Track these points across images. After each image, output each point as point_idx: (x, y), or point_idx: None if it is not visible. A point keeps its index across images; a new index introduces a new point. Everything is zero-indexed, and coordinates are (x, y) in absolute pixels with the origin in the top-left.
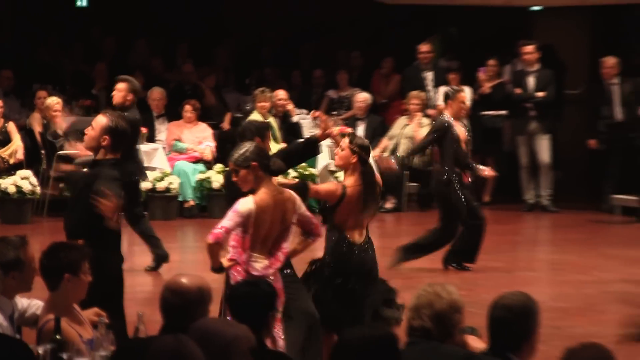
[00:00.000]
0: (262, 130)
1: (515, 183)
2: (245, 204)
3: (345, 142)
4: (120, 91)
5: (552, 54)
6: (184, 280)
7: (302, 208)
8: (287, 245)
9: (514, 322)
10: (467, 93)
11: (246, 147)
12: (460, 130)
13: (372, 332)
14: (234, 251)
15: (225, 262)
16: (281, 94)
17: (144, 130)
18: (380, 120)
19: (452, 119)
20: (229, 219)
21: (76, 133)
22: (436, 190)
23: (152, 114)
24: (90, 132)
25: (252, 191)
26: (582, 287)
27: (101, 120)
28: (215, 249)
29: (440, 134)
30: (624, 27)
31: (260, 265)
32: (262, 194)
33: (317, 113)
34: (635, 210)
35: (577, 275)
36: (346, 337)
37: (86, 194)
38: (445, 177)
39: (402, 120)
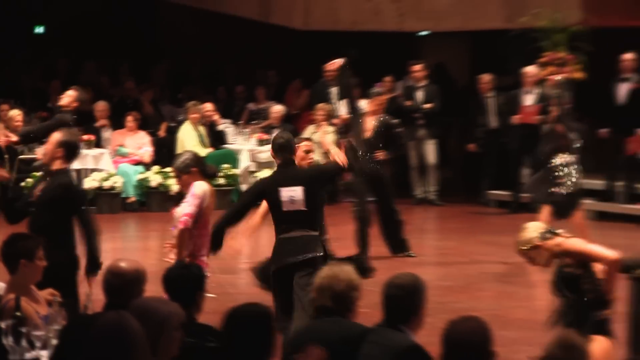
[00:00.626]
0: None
1: (406, 181)
2: (200, 187)
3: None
4: (69, 96)
5: (444, 71)
6: (122, 264)
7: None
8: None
9: (405, 298)
10: (363, 105)
11: (186, 156)
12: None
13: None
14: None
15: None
16: (208, 106)
17: (92, 137)
18: (292, 128)
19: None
20: (189, 205)
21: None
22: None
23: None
24: (47, 146)
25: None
26: (463, 269)
27: (56, 135)
28: (185, 234)
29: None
30: (499, 49)
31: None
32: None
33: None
34: (507, 203)
35: (459, 258)
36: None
37: (47, 198)
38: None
39: (310, 129)
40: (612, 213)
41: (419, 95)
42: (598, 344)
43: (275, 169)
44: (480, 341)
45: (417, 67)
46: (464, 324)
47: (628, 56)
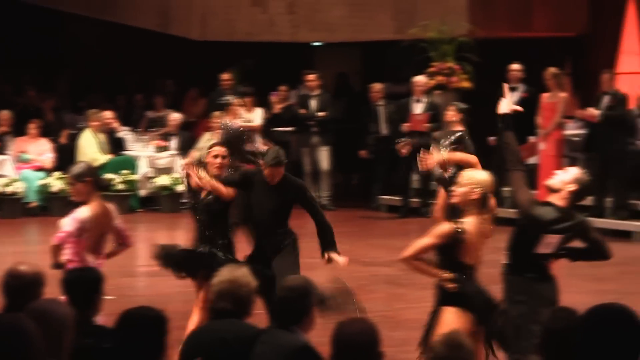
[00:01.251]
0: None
1: None
2: (83, 213)
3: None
4: None
5: (346, 81)
6: (22, 266)
7: (117, 220)
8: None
9: (296, 300)
10: (259, 113)
11: (81, 165)
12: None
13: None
14: (70, 252)
15: (63, 260)
16: (108, 114)
17: None
18: (189, 135)
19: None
20: (69, 225)
21: None
22: None
23: None
24: None
25: (83, 202)
26: (354, 271)
27: None
28: (56, 249)
29: None
30: (389, 59)
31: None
32: (94, 205)
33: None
34: (397, 208)
35: (350, 261)
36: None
37: None
38: None
39: (207, 136)
40: (501, 218)
41: (313, 103)
42: (449, 316)
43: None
44: (368, 342)
45: (311, 76)
46: (352, 325)
47: (515, 66)
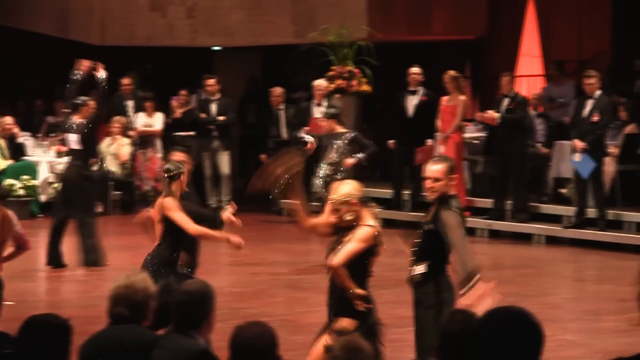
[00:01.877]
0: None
1: (200, 191)
2: None
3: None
4: None
5: (256, 85)
6: None
7: (18, 226)
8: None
9: (194, 304)
10: (160, 117)
11: None
12: None
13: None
14: None
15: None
16: (8, 119)
17: None
18: None
19: None
20: None
21: None
22: None
23: None
24: None
25: None
26: (255, 275)
27: None
28: None
29: None
30: (289, 63)
31: None
32: None
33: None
34: None
35: (251, 265)
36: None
37: None
38: None
39: (107, 141)
40: (398, 221)
41: (213, 108)
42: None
43: None
44: (266, 346)
45: (211, 81)
46: (250, 329)
47: (414, 70)
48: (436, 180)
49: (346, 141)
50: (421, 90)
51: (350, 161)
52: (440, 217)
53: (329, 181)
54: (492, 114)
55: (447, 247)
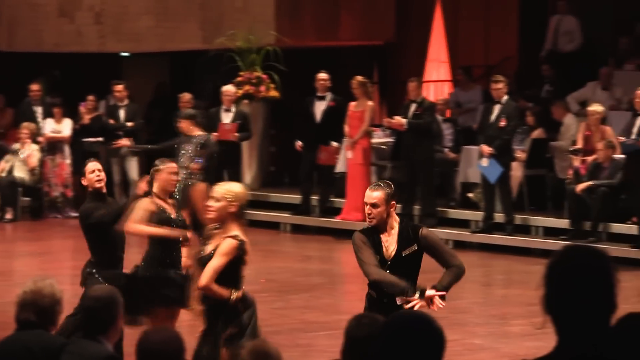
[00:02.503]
0: None
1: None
2: None
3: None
4: None
5: (164, 90)
6: None
7: None
8: None
9: (101, 310)
10: (68, 124)
11: None
12: None
13: None
14: None
15: None
16: None
17: None
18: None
19: None
20: None
21: None
22: None
23: None
24: None
25: None
26: None
27: None
28: None
29: None
30: (196, 69)
31: None
32: None
33: None
34: None
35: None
36: None
37: None
38: None
39: (15, 146)
40: (307, 226)
41: (122, 113)
42: None
43: None
44: (173, 350)
45: (119, 87)
46: (157, 335)
47: (322, 75)
48: (374, 206)
49: (198, 145)
50: (329, 95)
51: (194, 165)
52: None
53: (183, 186)
54: (399, 119)
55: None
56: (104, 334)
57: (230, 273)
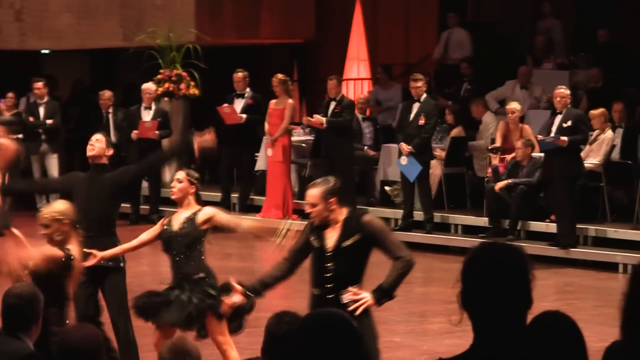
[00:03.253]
0: None
1: (30, 194)
2: None
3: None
4: None
5: (81, 87)
6: None
7: None
8: None
9: (24, 307)
10: None
11: None
12: None
13: None
14: None
15: None
16: None
17: None
18: None
19: None
20: None
21: None
22: None
23: None
24: None
25: None
26: None
27: None
28: None
29: None
30: (117, 66)
31: None
32: None
33: None
34: (128, 215)
35: None
36: None
37: None
38: None
39: None
40: None
41: (41, 111)
42: None
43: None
44: (92, 348)
45: (39, 84)
46: (75, 332)
47: (239, 73)
48: (312, 205)
49: None
50: (248, 93)
51: None
52: None
53: None
54: (318, 118)
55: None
56: (26, 331)
57: (55, 285)
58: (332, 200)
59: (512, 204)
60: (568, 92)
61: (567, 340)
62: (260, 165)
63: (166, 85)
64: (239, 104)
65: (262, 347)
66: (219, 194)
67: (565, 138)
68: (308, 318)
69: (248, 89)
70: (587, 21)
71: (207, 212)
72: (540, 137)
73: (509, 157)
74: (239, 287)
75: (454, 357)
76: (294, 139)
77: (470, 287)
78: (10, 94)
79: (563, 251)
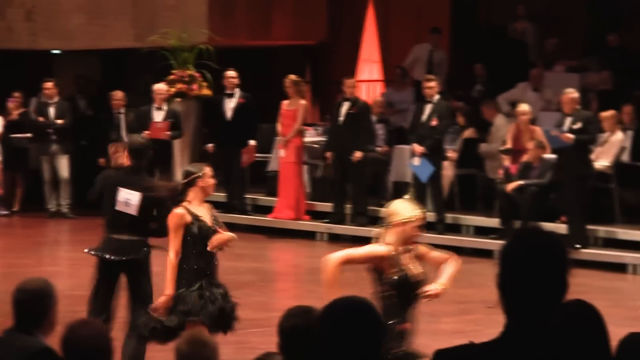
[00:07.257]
0: None
1: (40, 194)
2: None
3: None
4: None
5: (86, 83)
6: None
7: None
8: None
9: (35, 302)
10: None
11: None
12: None
13: None
14: None
15: None
16: None
17: None
18: None
19: None
20: None
21: None
22: None
23: None
24: None
25: None
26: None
27: None
28: None
29: None
30: (130, 67)
31: None
32: None
33: None
34: None
35: (91, 269)
36: None
37: None
38: None
39: None
40: (239, 224)
41: (51, 111)
42: None
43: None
44: (100, 345)
45: (49, 84)
46: (83, 329)
47: (231, 73)
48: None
49: None
50: (238, 93)
51: None
52: None
53: None
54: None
55: None
56: (38, 327)
57: None
58: None
59: (523, 205)
60: (575, 95)
61: (592, 328)
62: (272, 166)
63: (178, 85)
64: (229, 104)
65: (279, 344)
66: (223, 194)
67: (571, 135)
68: (331, 306)
69: (237, 89)
70: (597, 25)
71: None
72: (545, 129)
73: (524, 157)
74: None
75: (486, 342)
76: (306, 139)
77: (510, 271)
78: (16, 94)
79: (573, 252)
